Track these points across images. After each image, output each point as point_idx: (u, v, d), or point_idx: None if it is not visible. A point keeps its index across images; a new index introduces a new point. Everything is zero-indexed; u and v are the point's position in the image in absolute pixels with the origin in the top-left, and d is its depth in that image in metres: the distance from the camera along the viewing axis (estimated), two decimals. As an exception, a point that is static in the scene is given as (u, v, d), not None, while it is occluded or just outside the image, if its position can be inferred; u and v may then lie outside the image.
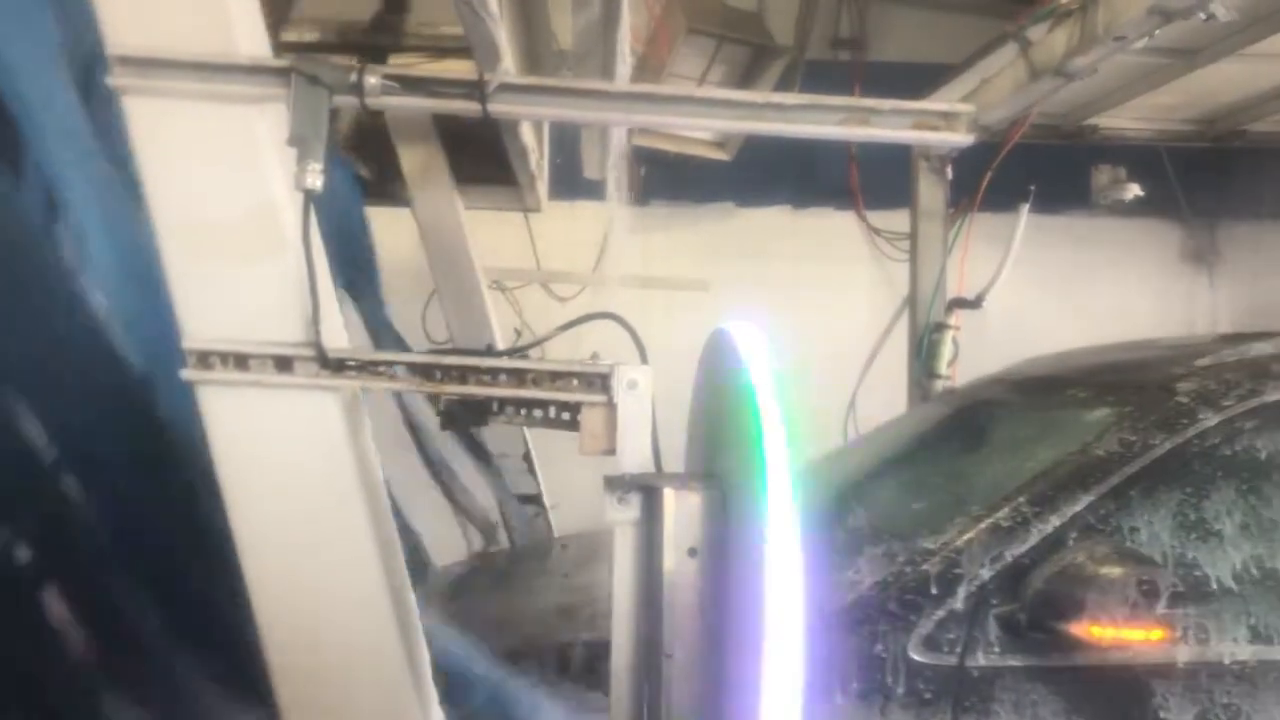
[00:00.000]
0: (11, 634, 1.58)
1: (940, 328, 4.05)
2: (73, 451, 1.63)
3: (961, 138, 1.60)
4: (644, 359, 1.54)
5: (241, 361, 1.46)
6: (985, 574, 1.94)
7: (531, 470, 3.60)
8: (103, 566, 1.64)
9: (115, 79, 1.41)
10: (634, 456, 1.40)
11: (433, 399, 1.74)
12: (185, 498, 1.67)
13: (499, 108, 1.55)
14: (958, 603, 1.92)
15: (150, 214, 1.45)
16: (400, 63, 2.87)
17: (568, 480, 3.21)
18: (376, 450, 1.66)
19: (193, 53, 1.42)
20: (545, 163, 3.81)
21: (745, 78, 4.90)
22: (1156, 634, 1.88)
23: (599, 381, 1.45)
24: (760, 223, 5.68)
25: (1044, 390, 2.73)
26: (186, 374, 1.46)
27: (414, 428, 3.31)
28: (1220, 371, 2.21)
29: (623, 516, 1.35)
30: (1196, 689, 1.91)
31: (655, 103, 1.64)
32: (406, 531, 3.25)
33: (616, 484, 1.36)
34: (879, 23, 5.72)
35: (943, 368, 4.01)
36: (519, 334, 4.15)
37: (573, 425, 1.50)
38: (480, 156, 3.18)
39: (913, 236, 4.26)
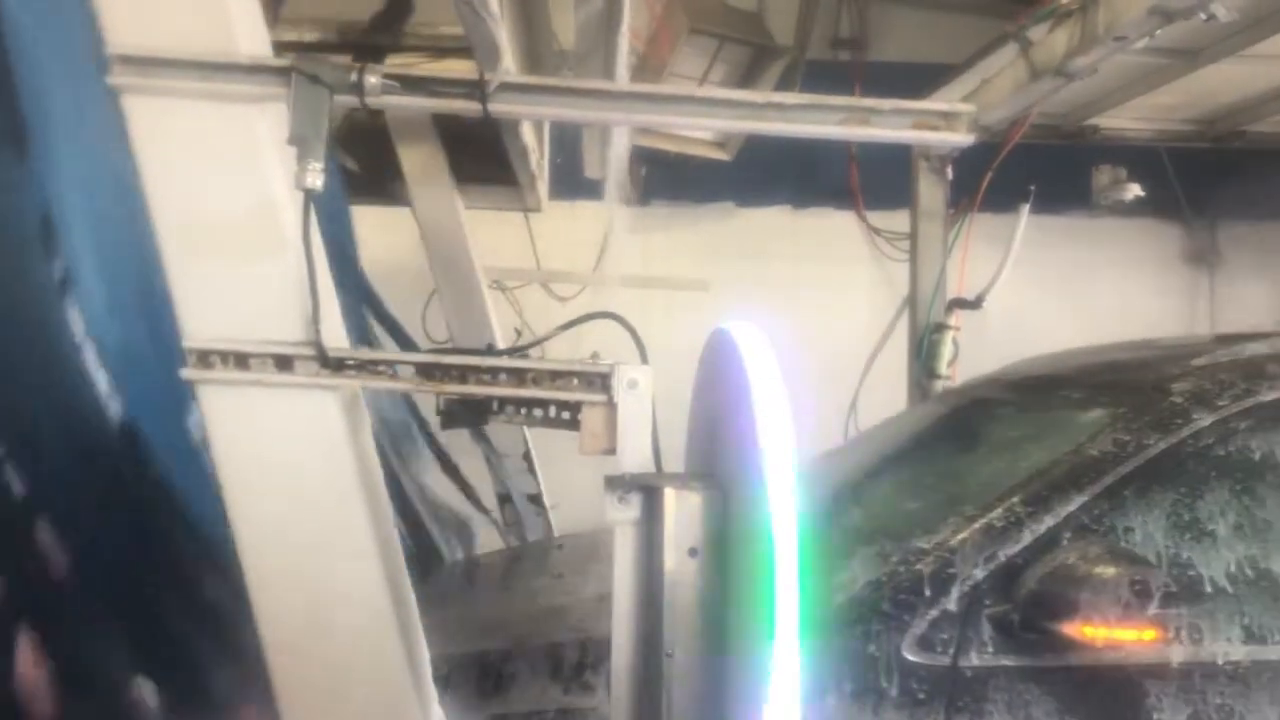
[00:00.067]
0: None
1: (940, 328, 4.05)
2: (42, 480, 1.63)
3: (962, 138, 1.60)
4: (644, 359, 1.54)
5: (242, 360, 1.46)
6: (979, 574, 1.93)
7: (531, 470, 3.60)
8: (72, 605, 1.65)
9: (115, 78, 1.41)
10: (634, 456, 1.41)
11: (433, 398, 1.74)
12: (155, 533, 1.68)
13: (499, 107, 1.55)
14: (951, 603, 1.91)
15: (150, 213, 1.45)
16: (400, 62, 2.87)
17: (568, 480, 3.21)
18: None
19: (193, 52, 1.42)
20: (545, 162, 3.81)
21: (746, 78, 4.91)
22: (1150, 634, 1.88)
23: (599, 381, 1.45)
24: (760, 223, 5.68)
25: (1039, 390, 2.72)
26: (187, 373, 1.46)
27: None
28: (1215, 372, 2.21)
29: (623, 516, 1.35)
30: (1190, 689, 1.91)
31: (656, 102, 1.64)
32: (418, 528, 3.26)
33: (617, 484, 1.36)
34: (879, 23, 5.73)
35: (943, 368, 4.01)
36: (519, 334, 4.14)
37: (573, 425, 1.50)
38: (480, 156, 3.17)
39: (913, 237, 4.26)
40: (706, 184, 5.49)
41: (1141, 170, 4.24)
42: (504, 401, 1.57)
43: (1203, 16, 2.72)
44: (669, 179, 5.33)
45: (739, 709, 1.19)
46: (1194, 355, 2.33)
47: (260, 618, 1.52)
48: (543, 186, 3.85)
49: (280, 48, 1.58)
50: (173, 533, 1.71)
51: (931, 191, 4.14)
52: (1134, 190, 4.12)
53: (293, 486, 1.51)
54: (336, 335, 1.59)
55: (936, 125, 1.59)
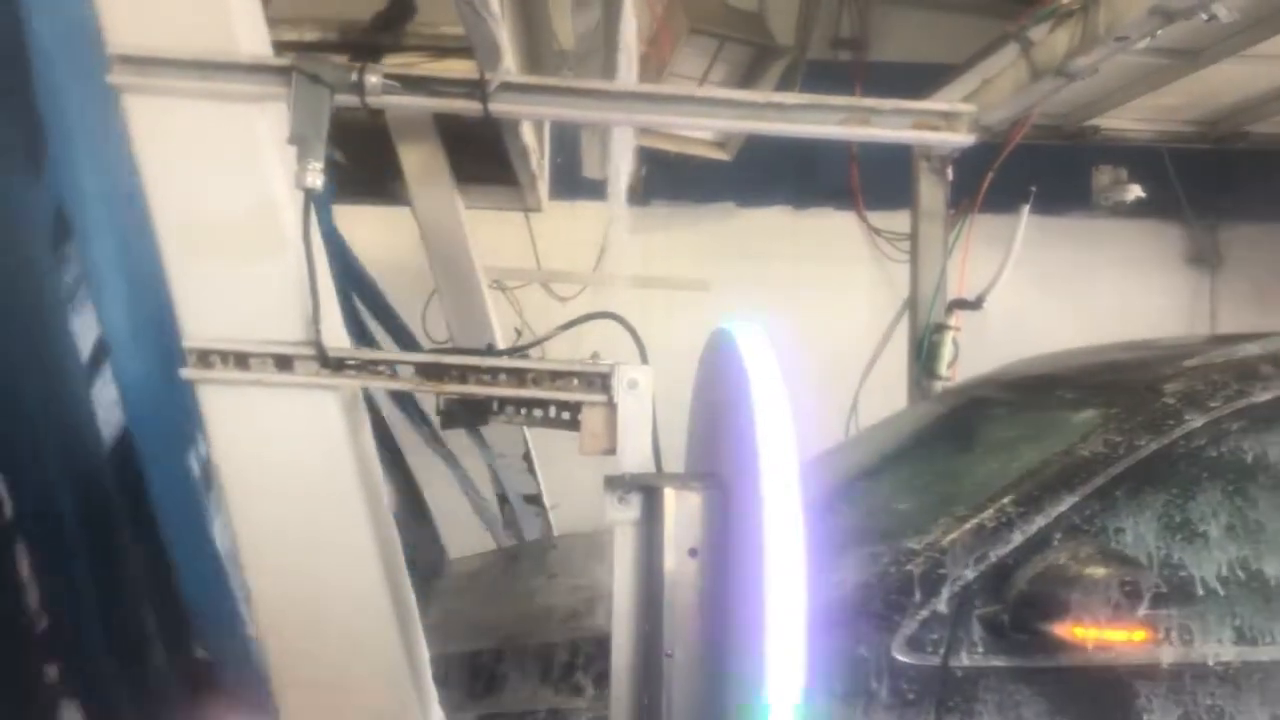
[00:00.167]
0: None
1: (941, 328, 4.05)
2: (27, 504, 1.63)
3: (962, 138, 1.59)
4: (644, 359, 1.54)
5: (242, 360, 1.46)
6: (969, 574, 1.93)
7: (531, 470, 3.60)
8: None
9: (115, 77, 1.41)
10: (634, 456, 1.41)
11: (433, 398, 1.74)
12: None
13: (500, 107, 1.55)
14: (941, 603, 1.91)
15: (150, 213, 1.45)
16: (401, 62, 2.86)
17: (568, 480, 3.21)
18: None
19: (193, 51, 1.42)
20: (546, 162, 3.81)
21: (746, 78, 4.90)
22: (1140, 635, 1.88)
23: (599, 381, 1.45)
24: (761, 223, 5.68)
25: (1032, 390, 2.72)
26: (187, 373, 1.46)
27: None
28: (1207, 373, 2.20)
29: (623, 516, 1.35)
30: (1180, 690, 1.91)
31: (656, 102, 1.64)
32: (427, 526, 3.25)
33: (617, 484, 1.36)
34: (880, 23, 5.72)
35: (943, 368, 4.01)
36: (519, 334, 4.14)
37: (573, 425, 1.50)
38: (481, 156, 3.17)
39: (913, 237, 4.26)
40: (707, 184, 5.49)
41: (1142, 171, 4.24)
42: (504, 401, 1.57)
43: (1204, 17, 2.72)
44: (669, 179, 5.32)
45: (739, 709, 1.19)
46: (1187, 356, 2.33)
47: (260, 617, 1.52)
48: (543, 186, 3.85)
49: (281, 47, 1.57)
50: (153, 568, 1.71)
51: (932, 192, 4.14)
52: (1135, 191, 4.12)
53: (293, 486, 1.51)
54: (336, 335, 1.59)
55: (937, 125, 1.59)
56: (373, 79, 1.47)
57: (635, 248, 5.29)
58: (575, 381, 1.46)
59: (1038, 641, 1.87)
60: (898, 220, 5.03)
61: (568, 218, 4.70)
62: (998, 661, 1.90)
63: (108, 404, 1.70)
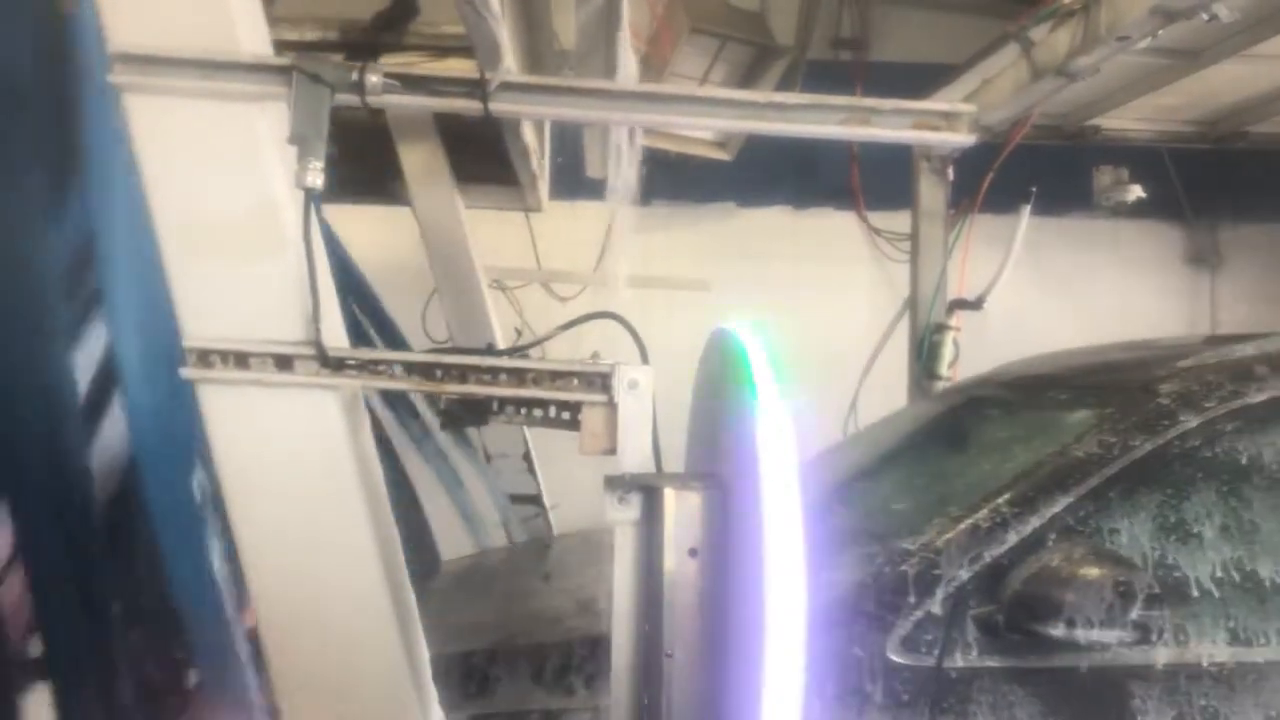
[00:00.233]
0: None
1: (941, 329, 4.05)
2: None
3: (963, 138, 1.59)
4: (645, 359, 1.53)
5: (242, 360, 1.46)
6: (964, 575, 1.93)
7: (531, 470, 3.60)
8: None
9: (116, 76, 1.41)
10: (634, 456, 1.41)
11: (432, 399, 1.74)
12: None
13: (500, 107, 1.55)
14: (936, 604, 1.91)
15: (150, 212, 1.45)
16: (401, 61, 2.86)
17: (568, 480, 3.21)
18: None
19: (194, 50, 1.42)
20: (546, 162, 3.81)
21: (747, 77, 4.90)
22: (1134, 636, 1.88)
23: (599, 381, 1.44)
24: (761, 223, 5.68)
25: (1027, 391, 2.72)
26: (186, 372, 1.46)
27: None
28: (1202, 373, 2.20)
29: (623, 516, 1.35)
30: (1175, 691, 1.91)
31: (657, 102, 1.64)
32: (422, 527, 3.25)
33: (617, 484, 1.36)
34: (880, 23, 5.72)
35: (943, 369, 4.01)
36: (519, 333, 4.14)
37: (573, 425, 1.50)
38: (481, 156, 3.17)
39: (914, 237, 4.26)
40: (707, 184, 5.48)
41: (1143, 171, 4.24)
42: (504, 401, 1.57)
43: (1205, 17, 2.72)
44: (670, 179, 5.32)
45: (739, 709, 1.19)
46: (1182, 357, 2.33)
47: (260, 617, 1.52)
48: (543, 186, 3.85)
49: (281, 46, 1.57)
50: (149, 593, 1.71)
51: (932, 192, 4.14)
52: (1135, 191, 4.12)
53: (293, 486, 1.50)
54: (336, 335, 1.58)
55: (937, 125, 1.59)
56: (373, 78, 1.47)
57: (636, 247, 5.29)
58: (575, 381, 1.46)
59: (1032, 642, 1.87)
60: (898, 220, 5.03)
61: (568, 218, 4.70)
62: (992, 662, 1.90)
63: (106, 440, 1.70)
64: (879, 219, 5.65)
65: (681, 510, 1.30)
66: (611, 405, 1.43)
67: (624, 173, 2.96)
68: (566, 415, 1.55)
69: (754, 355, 1.28)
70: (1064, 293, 5.64)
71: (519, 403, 1.56)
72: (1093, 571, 1.80)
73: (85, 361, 1.69)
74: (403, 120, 3.08)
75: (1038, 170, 3.88)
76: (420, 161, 3.19)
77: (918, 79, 4.19)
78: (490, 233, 3.79)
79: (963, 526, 1.99)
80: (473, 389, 1.50)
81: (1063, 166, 4.43)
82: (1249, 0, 2.83)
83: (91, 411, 1.70)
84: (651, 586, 1.32)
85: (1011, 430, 2.53)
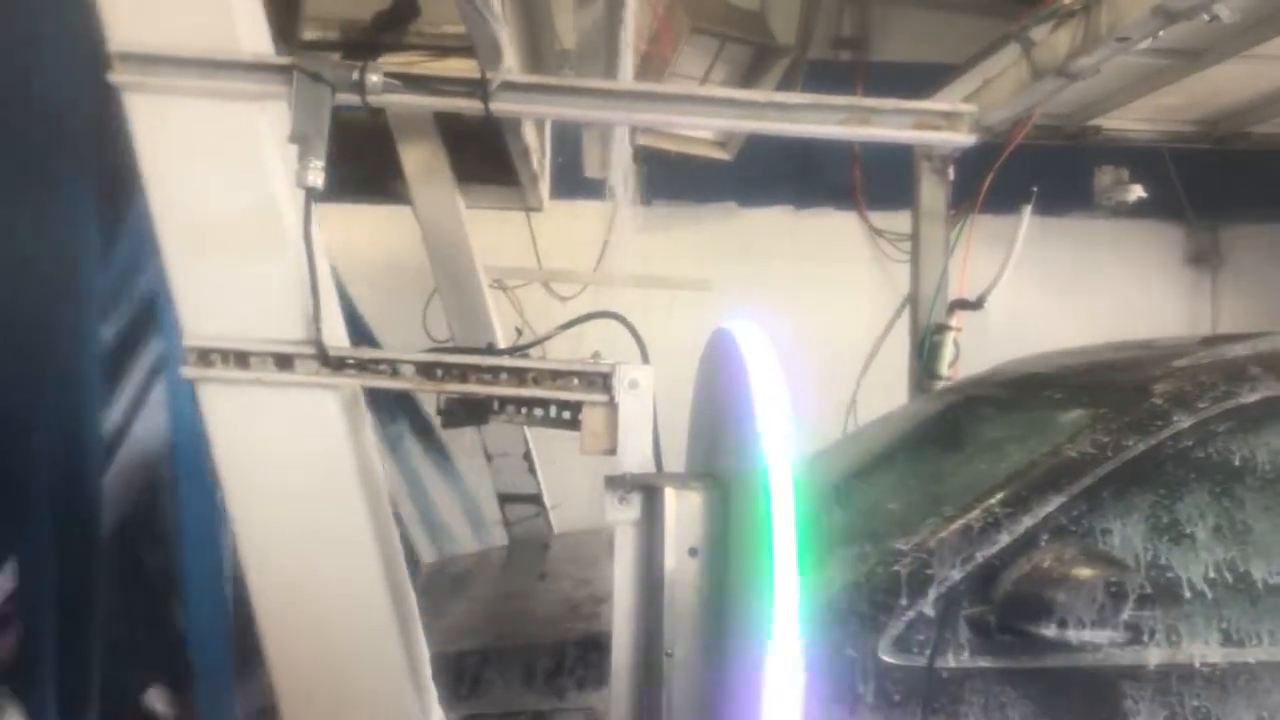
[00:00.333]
0: None
1: (941, 329, 4.05)
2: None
3: (963, 138, 1.60)
4: (645, 358, 1.54)
5: (242, 359, 1.46)
6: (956, 575, 1.93)
7: (532, 470, 3.59)
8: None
9: (117, 75, 1.41)
10: (635, 456, 1.40)
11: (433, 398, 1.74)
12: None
13: (501, 106, 1.55)
14: (928, 604, 1.91)
15: (151, 211, 1.45)
16: (402, 61, 2.86)
17: (568, 480, 3.21)
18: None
19: (195, 49, 1.42)
20: (547, 162, 3.81)
21: (747, 77, 4.89)
22: (1126, 636, 1.87)
23: (600, 381, 1.44)
24: (762, 223, 5.68)
25: (1021, 390, 2.72)
26: (187, 371, 1.46)
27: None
28: (1196, 374, 2.20)
29: (623, 516, 1.35)
30: (1167, 692, 1.90)
31: (658, 102, 1.64)
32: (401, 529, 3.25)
33: (617, 483, 1.36)
34: (881, 23, 5.72)
35: (944, 369, 4.00)
36: (520, 333, 4.13)
37: (573, 424, 1.51)
38: (482, 155, 3.17)
39: (914, 237, 4.26)
40: (708, 184, 5.48)
41: (1144, 171, 4.24)
42: (504, 401, 1.57)
43: (1206, 17, 2.72)
44: (670, 179, 5.32)
45: (739, 709, 1.19)
46: (1176, 357, 2.33)
47: (260, 617, 1.52)
48: (544, 186, 3.84)
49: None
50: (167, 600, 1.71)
51: (933, 192, 4.14)
52: (1136, 191, 4.12)
53: (293, 486, 1.51)
54: (337, 334, 1.58)
55: (938, 125, 1.59)
56: (374, 78, 1.47)
57: (636, 247, 5.29)
58: (576, 381, 1.46)
59: (1024, 643, 1.86)
60: (899, 220, 5.03)
61: (568, 217, 4.69)
62: (984, 663, 1.89)
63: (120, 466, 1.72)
64: (880, 219, 5.65)
65: (681, 510, 1.30)
66: (612, 405, 1.43)
67: (623, 173, 2.96)
68: (567, 415, 1.55)
69: (754, 355, 1.28)
70: (1065, 293, 5.64)
71: (519, 402, 1.56)
72: (1085, 572, 1.80)
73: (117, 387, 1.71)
74: (403, 120, 3.08)
75: (1038, 170, 3.88)
76: (421, 161, 3.19)
77: (918, 79, 4.19)
78: (491, 232, 3.79)
79: (955, 526, 1.98)
80: (473, 388, 1.50)
81: (1063, 167, 4.43)
82: (1250, 1, 2.83)
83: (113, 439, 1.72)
84: (651, 586, 1.32)
85: (1005, 430, 2.52)
